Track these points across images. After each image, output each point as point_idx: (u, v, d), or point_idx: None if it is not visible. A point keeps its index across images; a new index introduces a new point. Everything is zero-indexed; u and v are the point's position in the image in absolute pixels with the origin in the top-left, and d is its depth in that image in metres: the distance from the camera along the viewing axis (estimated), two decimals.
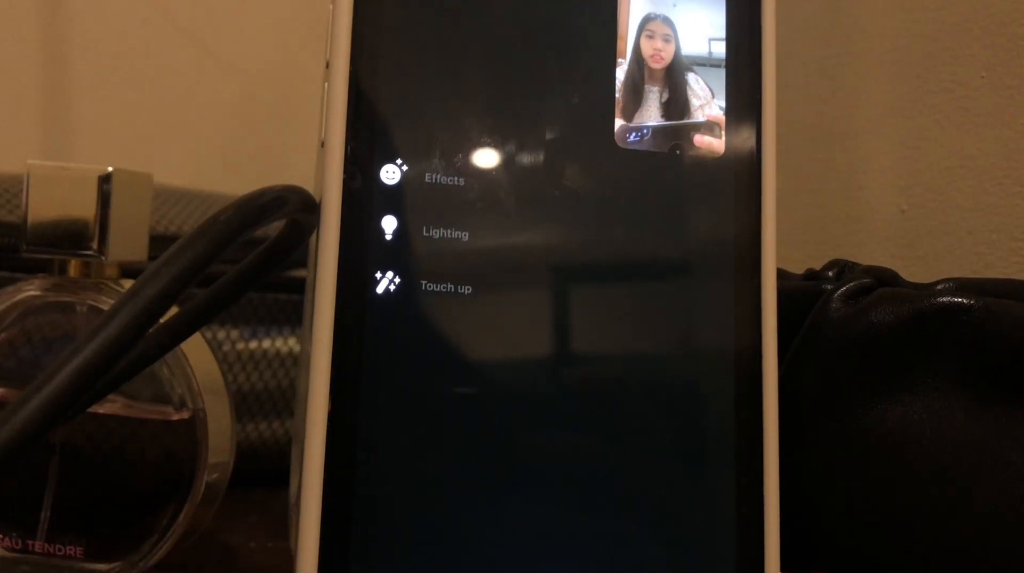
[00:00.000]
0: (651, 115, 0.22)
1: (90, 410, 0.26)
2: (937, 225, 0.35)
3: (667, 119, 0.22)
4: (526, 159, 0.21)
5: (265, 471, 0.35)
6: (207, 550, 0.30)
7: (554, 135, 0.21)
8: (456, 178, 0.21)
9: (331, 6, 0.21)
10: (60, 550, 0.26)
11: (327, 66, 0.21)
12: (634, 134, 0.22)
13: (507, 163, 0.21)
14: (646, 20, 0.22)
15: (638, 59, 0.22)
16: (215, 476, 0.27)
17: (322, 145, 0.21)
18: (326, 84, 0.21)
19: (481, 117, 0.21)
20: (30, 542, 0.26)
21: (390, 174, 0.20)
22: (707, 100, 0.22)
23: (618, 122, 0.22)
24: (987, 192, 0.33)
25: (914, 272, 0.27)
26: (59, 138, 0.58)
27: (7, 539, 0.26)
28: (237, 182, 0.36)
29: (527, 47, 0.22)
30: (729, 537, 0.21)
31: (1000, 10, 0.34)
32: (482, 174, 0.21)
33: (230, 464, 0.28)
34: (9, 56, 0.57)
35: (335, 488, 0.20)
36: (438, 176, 0.21)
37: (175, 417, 0.26)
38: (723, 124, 0.22)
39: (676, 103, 0.22)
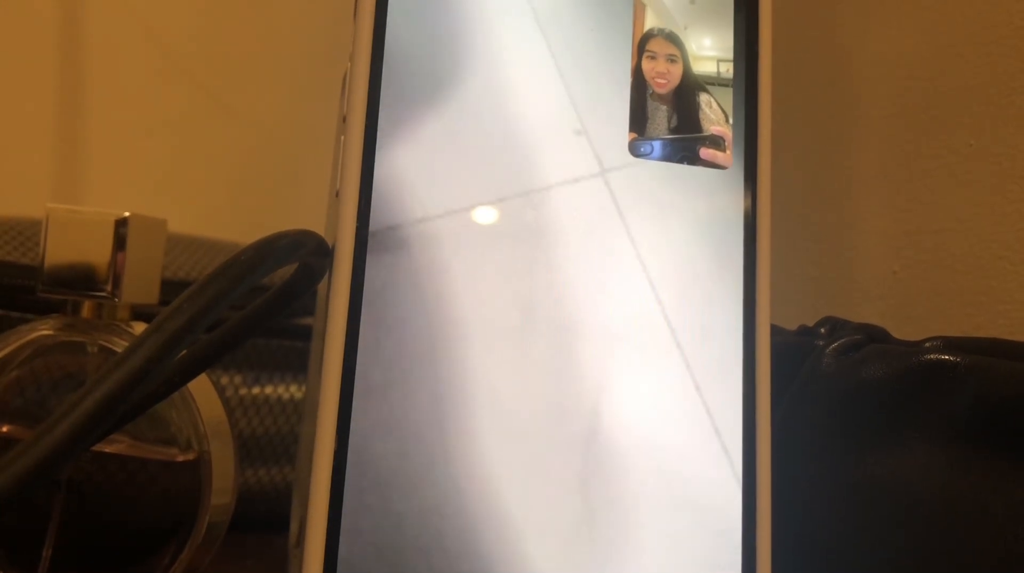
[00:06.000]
0: (663, 130, 0.22)
1: (96, 448, 0.26)
2: (928, 286, 0.36)
3: (680, 133, 0.23)
4: (536, 214, 0.22)
5: (262, 516, 0.35)
6: None
7: (565, 187, 0.22)
8: (468, 231, 0.21)
9: (349, 64, 0.22)
10: None
11: (343, 120, 0.22)
12: (645, 146, 0.22)
13: (518, 218, 0.22)
14: (646, 39, 0.23)
15: (640, 79, 0.23)
16: (217, 518, 0.27)
17: (336, 195, 0.21)
18: (342, 137, 0.21)
19: (494, 170, 0.22)
20: None
21: (403, 226, 0.21)
22: (719, 119, 0.23)
23: (631, 136, 0.22)
24: (976, 255, 0.34)
25: (905, 332, 0.27)
26: (72, 185, 0.59)
27: None
28: (245, 231, 0.37)
29: (540, 87, 0.22)
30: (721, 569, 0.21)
31: (987, 82, 0.35)
32: (495, 227, 0.22)
33: (231, 506, 0.28)
34: (26, 104, 0.58)
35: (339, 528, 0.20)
36: (450, 228, 0.21)
37: (180, 458, 0.27)
38: (729, 139, 0.23)
39: (689, 119, 0.23)
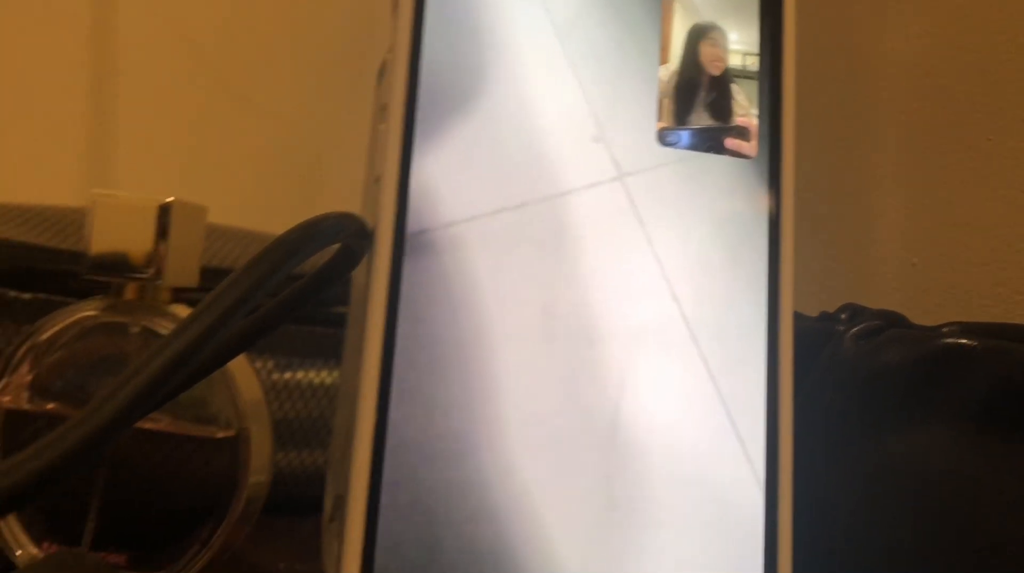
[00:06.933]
0: (693, 119, 0.23)
1: (138, 426, 0.27)
2: (946, 278, 0.36)
3: (709, 122, 0.23)
4: (556, 219, 0.22)
5: (292, 500, 0.36)
6: (237, 569, 0.31)
7: (606, 170, 0.23)
8: (508, 219, 0.22)
9: (389, 54, 0.23)
10: (104, 558, 0.27)
11: (383, 108, 0.22)
12: (672, 135, 0.23)
13: (539, 222, 0.22)
14: (708, 29, 0.24)
15: (693, 64, 0.24)
16: (254, 494, 0.28)
17: (376, 181, 0.22)
18: (382, 125, 0.22)
19: (536, 157, 0.23)
20: (75, 549, 0.27)
21: (431, 230, 0.22)
22: (745, 110, 0.24)
23: (660, 125, 0.23)
24: (993, 248, 0.35)
25: (923, 322, 0.28)
26: (105, 177, 0.60)
27: (54, 546, 0.27)
28: (271, 221, 0.38)
29: (560, 93, 0.23)
30: (742, 559, 0.22)
31: (1005, 79, 0.35)
32: (518, 232, 0.22)
33: (267, 484, 0.29)
34: (60, 104, 0.60)
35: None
36: (490, 214, 0.22)
37: (220, 435, 0.28)
38: (755, 130, 0.24)
39: (721, 108, 0.24)
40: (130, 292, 0.28)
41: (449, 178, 0.22)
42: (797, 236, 0.24)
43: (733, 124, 0.24)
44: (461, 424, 0.21)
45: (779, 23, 0.25)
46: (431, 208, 0.22)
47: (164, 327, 0.28)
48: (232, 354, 0.24)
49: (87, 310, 0.28)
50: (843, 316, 0.26)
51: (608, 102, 0.23)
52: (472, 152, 0.22)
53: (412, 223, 0.22)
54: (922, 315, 0.36)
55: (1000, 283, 0.34)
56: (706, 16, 0.24)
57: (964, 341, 0.24)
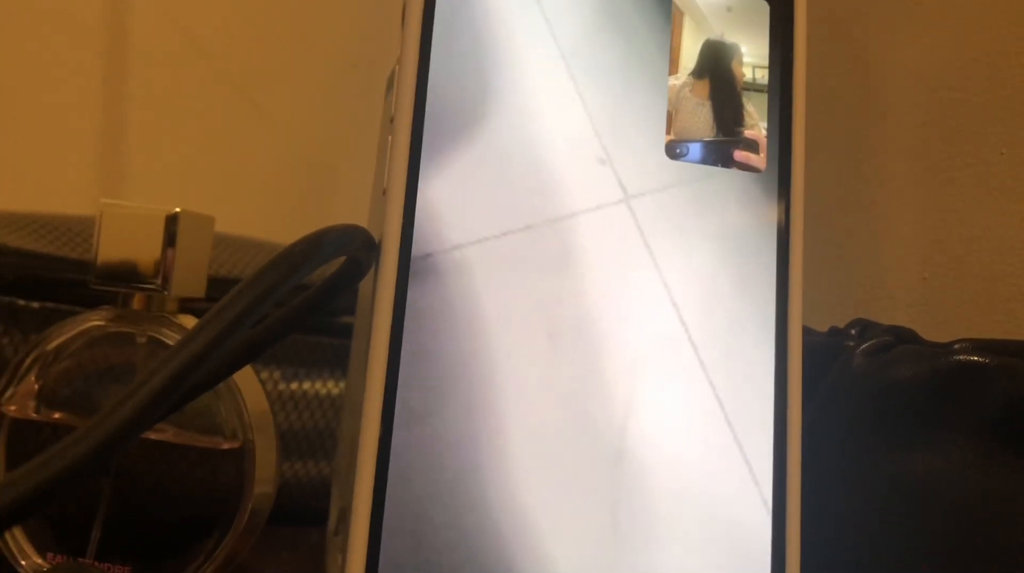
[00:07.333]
0: (702, 132, 0.23)
1: (143, 436, 0.27)
2: (957, 293, 0.36)
3: (718, 136, 0.23)
4: (563, 241, 0.22)
5: (297, 510, 0.36)
6: None
7: (612, 192, 0.23)
8: (514, 241, 0.22)
9: (397, 68, 0.23)
10: (108, 569, 0.27)
11: (391, 121, 0.22)
12: (680, 148, 0.23)
13: (545, 244, 0.22)
14: (732, 47, 0.24)
15: (704, 78, 0.23)
16: (259, 506, 0.28)
17: (384, 193, 0.22)
18: (390, 138, 0.22)
19: (542, 179, 0.22)
20: (80, 560, 0.27)
21: (447, 234, 0.22)
22: (753, 123, 0.24)
23: (667, 139, 0.23)
24: (1005, 262, 0.35)
25: (934, 338, 0.28)
26: (115, 186, 0.60)
27: (59, 557, 0.27)
28: (280, 231, 0.38)
29: (565, 115, 0.23)
30: None
31: (1018, 91, 0.35)
32: (524, 254, 0.22)
33: (272, 496, 0.29)
34: (71, 110, 0.60)
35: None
36: (495, 237, 0.22)
37: (225, 446, 0.27)
38: (763, 143, 0.23)
39: (730, 121, 0.23)
40: (137, 302, 0.28)
41: (454, 199, 0.22)
42: (806, 250, 0.23)
43: (742, 137, 0.24)
44: (465, 444, 0.21)
45: (790, 35, 0.25)
46: (436, 229, 0.22)
47: (171, 337, 0.28)
48: (238, 365, 0.24)
49: (94, 320, 0.28)
50: (853, 331, 0.26)
51: (614, 123, 0.23)
52: (477, 173, 0.22)
53: (417, 245, 0.22)
54: (933, 329, 0.36)
55: (1012, 298, 0.34)
56: (717, 28, 0.24)
57: (976, 358, 0.24)
